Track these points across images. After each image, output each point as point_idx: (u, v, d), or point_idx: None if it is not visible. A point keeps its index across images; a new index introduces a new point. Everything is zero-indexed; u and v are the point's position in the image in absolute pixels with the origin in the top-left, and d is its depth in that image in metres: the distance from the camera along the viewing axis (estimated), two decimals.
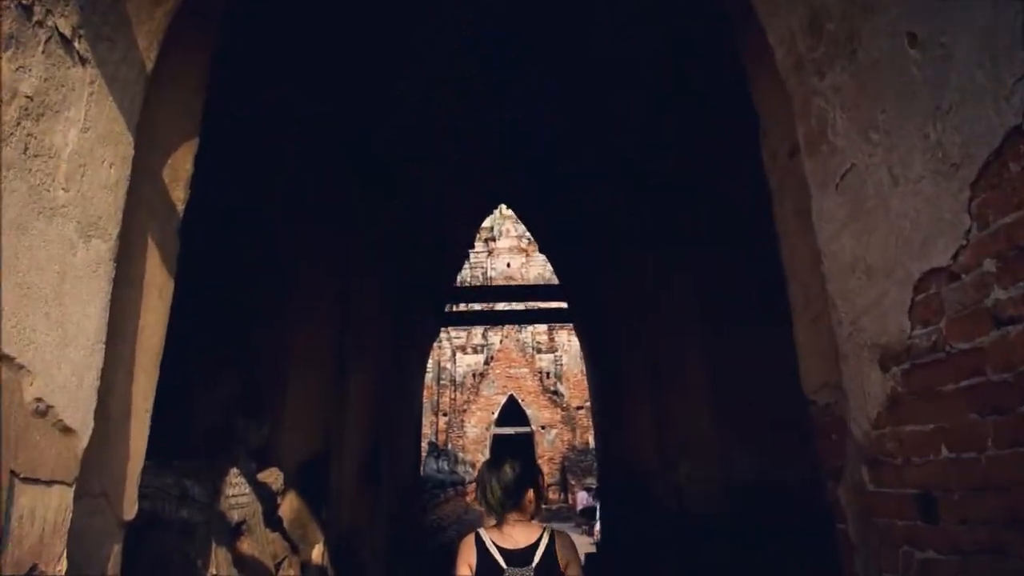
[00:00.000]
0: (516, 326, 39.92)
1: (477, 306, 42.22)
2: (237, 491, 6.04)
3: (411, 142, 8.40)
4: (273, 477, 6.95)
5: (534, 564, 3.08)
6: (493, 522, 3.33)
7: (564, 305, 12.04)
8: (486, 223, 43.12)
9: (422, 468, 20.38)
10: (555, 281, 34.90)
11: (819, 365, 3.16)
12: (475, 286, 15.79)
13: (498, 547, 3.12)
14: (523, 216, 11.29)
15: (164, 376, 3.57)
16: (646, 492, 8.57)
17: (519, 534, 3.18)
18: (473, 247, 12.18)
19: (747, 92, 4.04)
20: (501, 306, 29.70)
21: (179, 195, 3.49)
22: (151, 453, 3.70)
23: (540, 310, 14.28)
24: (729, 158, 7.00)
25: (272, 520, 6.91)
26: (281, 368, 7.80)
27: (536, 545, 3.14)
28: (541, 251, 11.61)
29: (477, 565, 3.07)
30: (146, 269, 3.26)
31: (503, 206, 43.31)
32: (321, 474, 7.87)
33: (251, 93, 6.64)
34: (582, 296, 9.85)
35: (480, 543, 3.15)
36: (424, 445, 33.09)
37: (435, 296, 9.97)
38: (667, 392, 8.21)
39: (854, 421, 2.67)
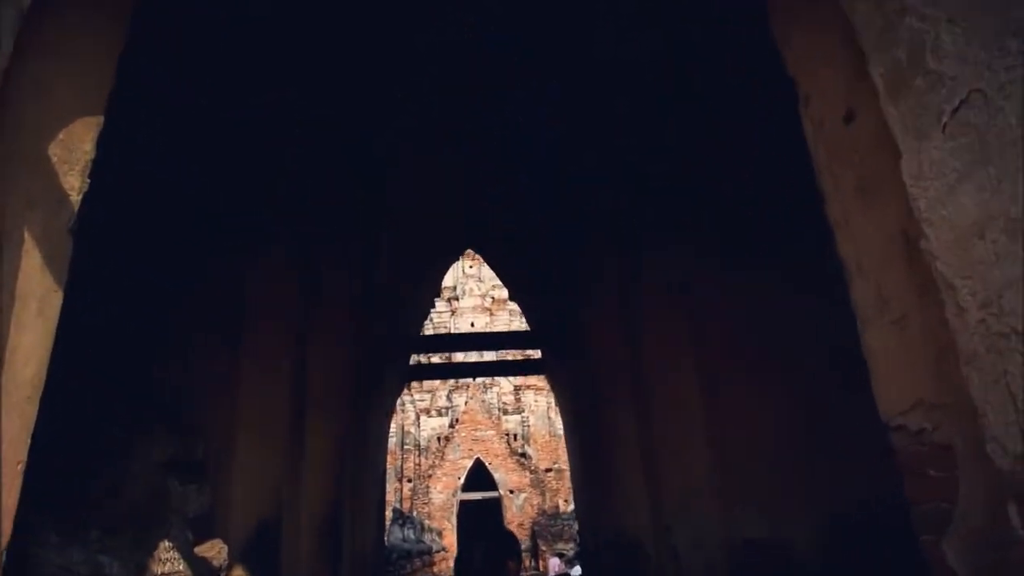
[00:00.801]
0: (481, 387, 39.08)
1: (438, 359, 41.37)
2: (168, 568, 5.12)
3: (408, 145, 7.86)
4: (215, 551, 6.02)
5: None
6: None
7: (536, 355, 11.31)
8: (448, 281, 42.44)
9: (387, 537, 19.23)
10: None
11: (909, 378, 2.42)
12: (441, 335, 14.84)
13: None
14: (493, 260, 10.55)
15: (75, 425, 2.76)
16: (637, 557, 7.72)
17: None
18: (439, 295, 11.37)
19: (751, 92, 3.43)
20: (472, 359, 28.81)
21: (73, 183, 2.71)
22: (58, 523, 2.87)
23: (511, 361, 13.53)
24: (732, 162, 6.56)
25: None
26: (227, 421, 6.92)
27: None
28: (512, 298, 10.88)
29: None
30: (20, 274, 2.46)
31: (466, 264, 42.81)
32: (273, 545, 6.94)
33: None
34: (558, 337, 9.10)
35: None
36: (388, 513, 31.75)
37: (400, 345, 9.16)
38: (660, 440, 7.43)
39: (993, 442, 1.92)
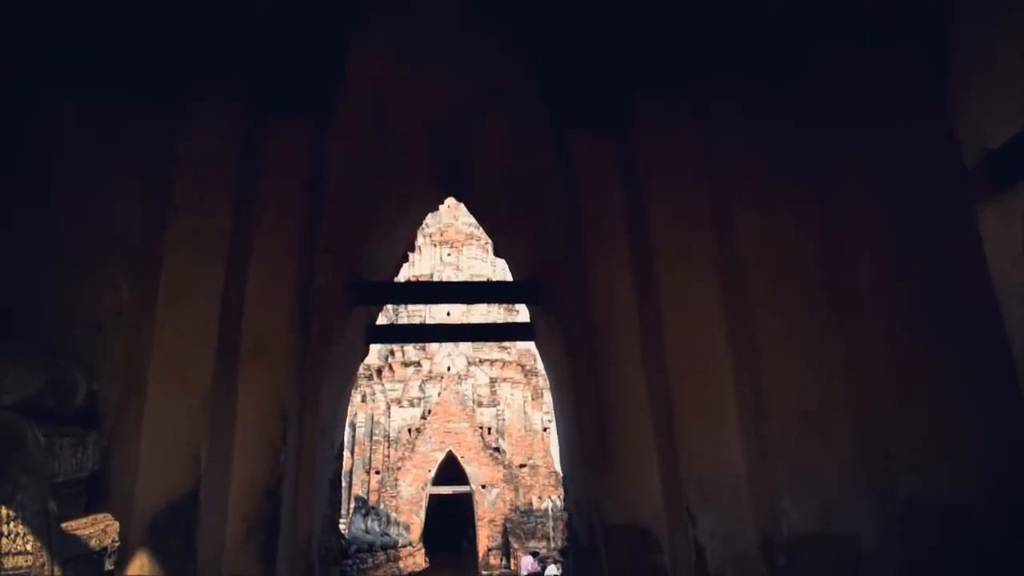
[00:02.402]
0: (456, 378, 37.64)
1: (412, 352, 39.79)
2: (12, 546, 3.60)
3: None
4: (98, 527, 4.47)
5: None
6: None
7: (515, 319, 9.83)
8: (425, 269, 40.89)
9: (348, 527, 17.67)
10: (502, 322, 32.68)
11: None
12: (412, 282, 13.01)
13: None
14: (473, 193, 9.02)
15: None
16: (644, 550, 6.25)
17: None
18: (413, 250, 9.82)
19: None
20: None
21: None
22: None
23: (494, 324, 11.96)
24: None
25: None
26: (134, 358, 5.37)
27: None
28: (497, 253, 9.37)
29: None
30: None
31: (444, 252, 41.10)
32: (187, 527, 5.39)
33: None
34: (550, 280, 7.58)
35: None
36: (346, 505, 30.06)
37: (362, 288, 7.61)
38: (680, 407, 5.94)
39: None
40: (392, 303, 9.12)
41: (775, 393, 5.60)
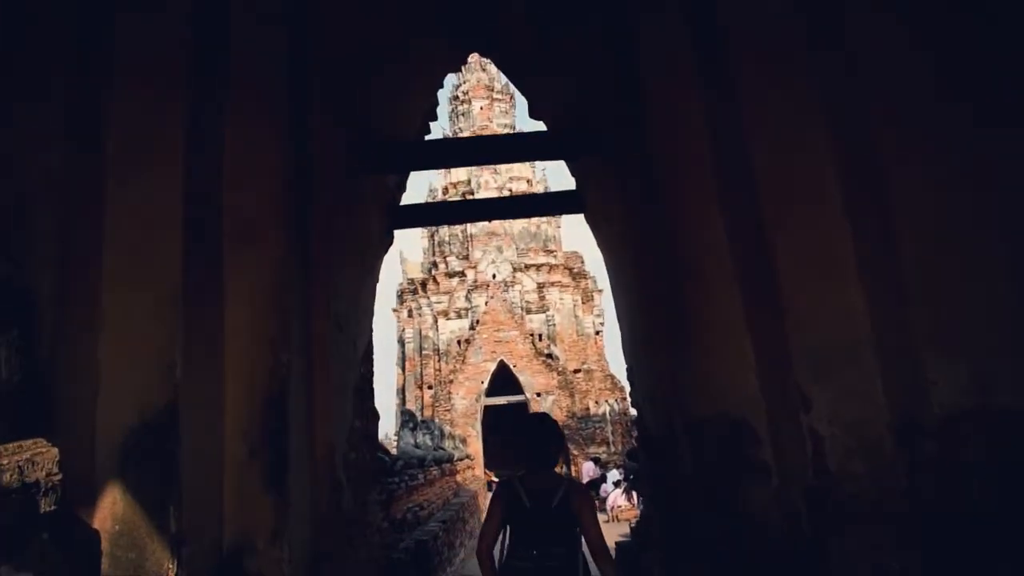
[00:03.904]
0: (502, 286, 36.59)
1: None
2: None
3: None
4: (22, 456, 3.33)
5: (553, 504, 4.13)
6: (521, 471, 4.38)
7: (558, 189, 8.51)
8: (462, 175, 39.41)
9: (397, 443, 16.87)
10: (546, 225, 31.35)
11: None
12: (432, 141, 10.90)
13: (525, 489, 4.22)
14: (503, 59, 7.67)
15: None
16: (740, 444, 5.01)
17: (544, 481, 4.32)
18: (435, 118, 8.43)
19: None
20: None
21: None
22: None
23: (540, 195, 10.68)
24: None
25: (26, 541, 3.35)
26: (79, 242, 4.16)
27: (556, 490, 4.21)
28: (533, 114, 7.97)
29: (506, 505, 4.23)
30: None
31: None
32: (168, 449, 4.27)
33: None
34: (605, 134, 6.23)
35: (511, 487, 4.30)
36: (398, 421, 29.44)
37: (368, 155, 6.32)
38: (780, 258, 4.62)
39: None
40: (406, 168, 7.71)
41: (908, 229, 4.24)
